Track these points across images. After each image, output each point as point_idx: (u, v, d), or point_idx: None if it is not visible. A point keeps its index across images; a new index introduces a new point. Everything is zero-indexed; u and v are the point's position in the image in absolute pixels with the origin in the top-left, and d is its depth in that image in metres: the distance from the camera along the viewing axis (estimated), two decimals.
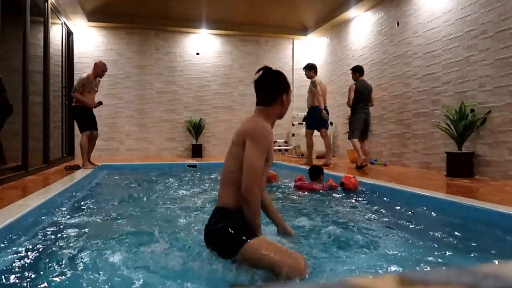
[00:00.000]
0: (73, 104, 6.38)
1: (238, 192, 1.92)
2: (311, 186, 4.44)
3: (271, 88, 2.08)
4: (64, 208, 3.40)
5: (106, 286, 1.72)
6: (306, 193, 4.30)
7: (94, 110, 6.43)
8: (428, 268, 2.00)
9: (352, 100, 6.51)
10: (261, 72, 2.13)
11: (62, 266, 1.93)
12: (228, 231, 1.86)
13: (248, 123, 2.04)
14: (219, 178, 2.12)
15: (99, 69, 6.36)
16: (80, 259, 2.01)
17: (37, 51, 6.42)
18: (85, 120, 6.28)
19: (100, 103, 6.50)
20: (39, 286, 1.70)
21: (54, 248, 2.23)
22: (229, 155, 2.04)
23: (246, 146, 1.92)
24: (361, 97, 6.52)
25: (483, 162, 5.44)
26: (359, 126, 6.53)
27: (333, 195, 4.23)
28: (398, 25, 7.35)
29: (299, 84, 10.75)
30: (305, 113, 9.15)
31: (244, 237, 1.81)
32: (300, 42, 10.91)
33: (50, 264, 1.97)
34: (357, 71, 6.72)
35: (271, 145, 2.02)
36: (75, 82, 6.22)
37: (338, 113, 9.44)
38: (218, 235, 1.90)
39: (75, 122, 6.87)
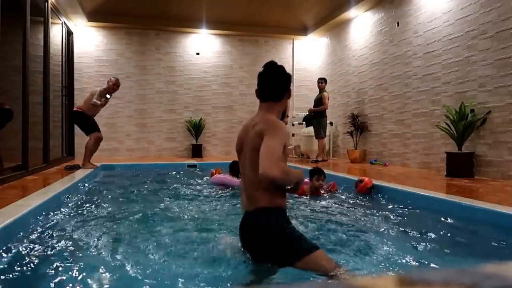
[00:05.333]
0: (74, 110, 6.44)
1: (276, 191, 1.87)
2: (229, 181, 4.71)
3: (283, 81, 2.01)
4: (64, 208, 3.40)
5: (107, 286, 1.72)
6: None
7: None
8: (428, 268, 2.00)
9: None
10: (268, 67, 2.04)
11: (62, 266, 1.93)
12: (293, 234, 1.86)
13: (264, 122, 1.89)
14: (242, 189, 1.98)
15: (111, 84, 6.40)
16: (80, 259, 2.01)
17: (37, 51, 6.41)
18: (88, 123, 6.33)
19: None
20: (38, 286, 1.70)
21: (54, 248, 2.22)
22: (251, 164, 1.87)
23: (264, 139, 1.77)
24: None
25: (483, 162, 5.43)
26: (326, 128, 8.16)
27: (329, 196, 4.23)
28: (398, 25, 7.35)
29: (299, 84, 10.76)
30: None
31: (310, 246, 1.80)
32: (300, 42, 10.90)
33: (50, 264, 1.96)
34: (326, 81, 8.32)
35: (288, 140, 2.01)
36: (96, 93, 6.26)
37: (338, 113, 9.44)
38: (281, 236, 1.83)
39: (75, 127, 6.95)
